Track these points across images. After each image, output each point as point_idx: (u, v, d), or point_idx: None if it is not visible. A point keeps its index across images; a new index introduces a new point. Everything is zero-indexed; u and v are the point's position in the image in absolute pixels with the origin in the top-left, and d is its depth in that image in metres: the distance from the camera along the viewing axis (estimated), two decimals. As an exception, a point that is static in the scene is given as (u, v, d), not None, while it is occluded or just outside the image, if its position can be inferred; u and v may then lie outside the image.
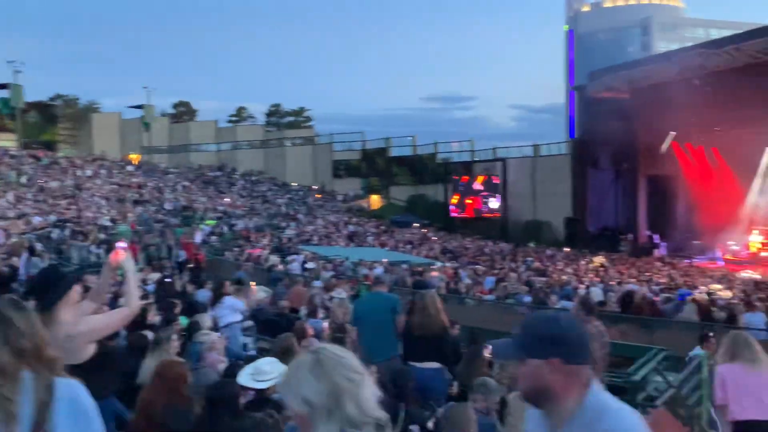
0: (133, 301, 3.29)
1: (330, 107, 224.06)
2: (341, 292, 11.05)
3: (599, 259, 29.21)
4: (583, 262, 27.23)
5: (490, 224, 40.21)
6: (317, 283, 13.37)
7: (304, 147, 49.89)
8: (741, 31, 30.39)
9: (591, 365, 1.81)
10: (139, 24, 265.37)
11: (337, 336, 6.14)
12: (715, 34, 60.53)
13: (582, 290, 16.02)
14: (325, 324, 8.02)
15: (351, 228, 34.60)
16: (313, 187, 47.02)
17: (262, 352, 6.32)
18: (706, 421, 7.02)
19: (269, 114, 57.32)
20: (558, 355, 1.74)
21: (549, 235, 37.47)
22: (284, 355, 4.86)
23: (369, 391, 1.63)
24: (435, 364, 5.85)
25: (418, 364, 5.84)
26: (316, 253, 21.76)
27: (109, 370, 3.44)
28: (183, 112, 57.63)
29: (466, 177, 41.95)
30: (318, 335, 7.16)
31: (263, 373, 4.16)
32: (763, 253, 30.99)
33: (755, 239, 31.71)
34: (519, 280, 17.64)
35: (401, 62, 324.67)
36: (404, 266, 18.73)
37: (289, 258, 20.95)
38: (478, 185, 41.13)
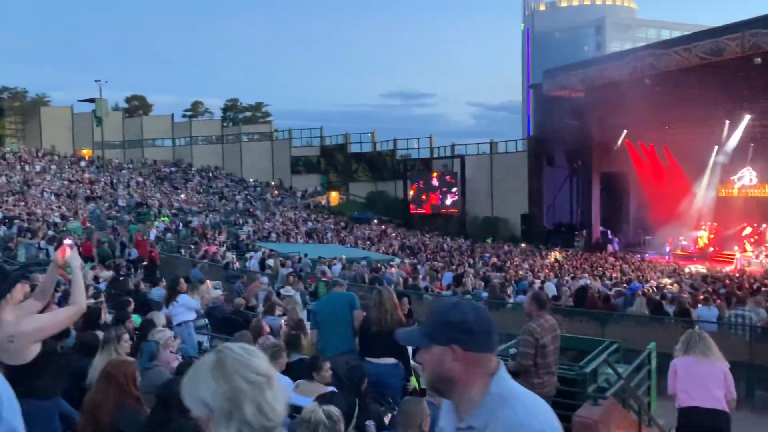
0: (79, 299, 3.20)
1: (288, 103, 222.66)
2: (289, 290, 10.98)
3: (555, 255, 29.83)
4: (541, 258, 27.76)
5: (448, 221, 40.54)
6: (264, 280, 13.28)
7: (262, 143, 49.36)
8: (690, 33, 31.39)
9: (495, 353, 1.76)
10: (91, 16, 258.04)
11: (292, 333, 6.10)
12: (667, 35, 62.36)
13: (537, 285, 16.35)
14: (283, 321, 7.96)
15: (310, 225, 34.43)
16: (272, 183, 46.60)
17: (217, 351, 6.22)
18: (655, 410, 7.27)
19: (226, 109, 56.50)
20: (458, 342, 1.70)
21: (506, 231, 38.02)
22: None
23: (274, 395, 1.56)
24: (391, 360, 5.87)
25: (374, 360, 5.87)
26: (275, 250, 21.57)
27: (55, 370, 3.34)
28: (137, 107, 56.28)
29: (424, 174, 42.20)
30: (275, 332, 7.11)
31: None
32: (710, 248, 32.11)
33: (703, 235, 32.82)
34: (476, 275, 17.85)
35: (361, 58, 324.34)
36: (363, 263, 18.74)
37: (246, 255, 20.74)
38: (436, 181, 41.41)
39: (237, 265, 18.43)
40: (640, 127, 31.83)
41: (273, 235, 28.96)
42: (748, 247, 30.04)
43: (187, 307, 8.98)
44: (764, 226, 30.37)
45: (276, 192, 44.66)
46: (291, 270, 15.61)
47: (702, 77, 25.81)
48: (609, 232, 35.15)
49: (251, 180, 46.35)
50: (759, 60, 23.98)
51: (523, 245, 33.41)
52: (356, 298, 6.63)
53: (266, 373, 1.59)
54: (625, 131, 33.17)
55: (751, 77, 25.16)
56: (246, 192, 42.86)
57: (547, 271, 22.11)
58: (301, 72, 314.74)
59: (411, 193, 42.31)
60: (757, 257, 28.80)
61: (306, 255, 19.57)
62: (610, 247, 33.81)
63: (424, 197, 41.75)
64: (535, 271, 21.35)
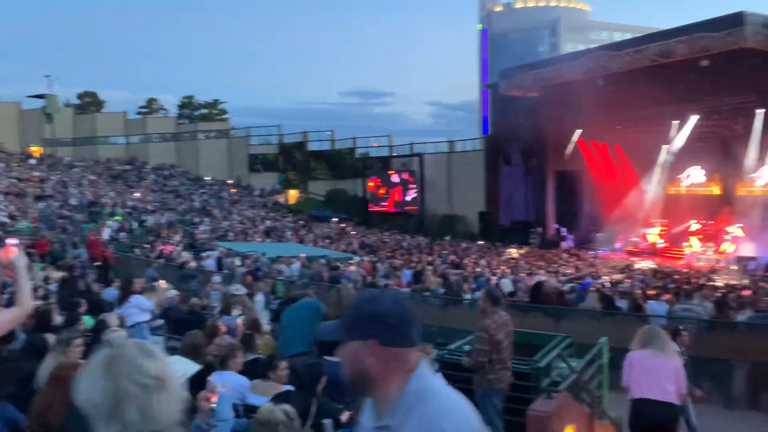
0: (24, 301, 3.10)
1: (246, 100, 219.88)
2: (240, 288, 10.89)
3: (513, 252, 30.29)
4: (498, 255, 28.12)
5: (407, 218, 40.72)
6: (216, 279, 13.14)
7: (219, 140, 48.65)
8: (641, 35, 32.24)
9: (417, 348, 1.69)
10: (40, 9, 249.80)
11: (247, 333, 6.05)
12: (619, 36, 63.84)
13: (494, 281, 16.60)
14: (240, 321, 7.88)
15: (268, 223, 34.11)
16: (229, 181, 45.97)
17: (172, 352, 6.14)
18: (607, 404, 7.46)
19: (182, 106, 55.50)
20: (375, 336, 1.62)
21: (464, 229, 38.39)
22: (192, 353, 4.73)
23: (164, 399, 1.50)
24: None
25: (332, 359, 5.88)
26: (232, 249, 21.30)
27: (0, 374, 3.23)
28: (89, 103, 54.81)
29: (383, 172, 42.29)
30: (231, 332, 7.04)
31: None
32: (660, 245, 33.06)
33: (653, 231, 33.78)
34: (435, 273, 17.98)
35: (320, 57, 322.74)
36: (322, 261, 18.67)
37: (203, 254, 20.44)
38: (395, 180, 41.56)
39: (193, 264, 18.15)
40: (593, 126, 32.56)
41: (230, 234, 28.59)
42: (696, 243, 31.03)
43: (140, 307, 8.82)
44: (711, 222, 31.37)
45: (233, 190, 44.08)
46: (248, 269, 15.45)
47: (652, 78, 26.53)
48: (563, 229, 35.84)
49: (208, 178, 45.64)
50: (706, 62, 24.79)
51: (480, 242, 33.79)
52: (322, 305, 6.75)
53: (158, 375, 1.52)
54: (579, 130, 33.88)
55: (698, 79, 25.98)
56: (202, 190, 42.19)
57: (503, 267, 22.39)
58: (258, 69, 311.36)
59: (370, 191, 42.34)
60: (704, 253, 29.77)
61: (264, 254, 19.39)
62: (564, 244, 34.48)
63: (383, 195, 41.83)
64: (492, 268, 21.60)
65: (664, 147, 33.09)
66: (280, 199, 44.57)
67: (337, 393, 5.35)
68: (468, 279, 16.95)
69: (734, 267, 26.59)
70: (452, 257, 24.58)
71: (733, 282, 21.33)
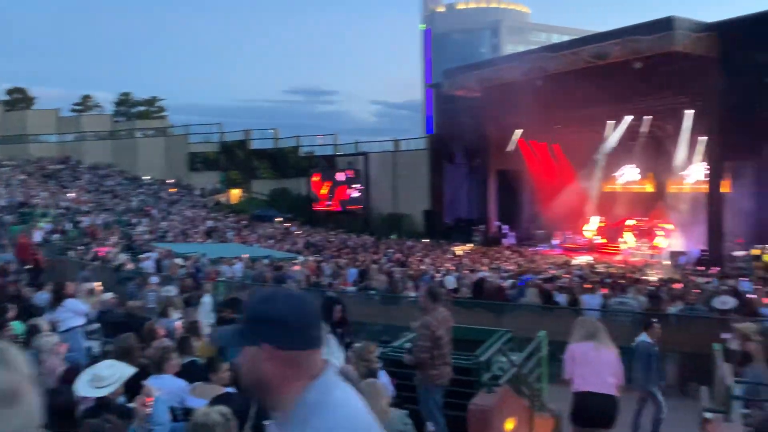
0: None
1: (185, 97, 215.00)
2: (171, 290, 10.66)
3: (459, 249, 30.72)
4: (442, 252, 28.43)
5: (353, 218, 40.72)
6: (154, 280, 12.83)
7: (157, 138, 47.40)
8: (578, 37, 33.23)
9: (319, 351, 1.56)
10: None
11: (183, 336, 5.93)
12: (557, 38, 65.60)
13: (438, 278, 16.80)
14: (178, 323, 7.71)
15: (210, 223, 33.47)
16: (168, 180, 44.85)
17: (107, 356, 5.97)
18: (546, 396, 7.67)
19: (118, 103, 53.78)
20: (270, 339, 1.50)
21: (409, 227, 38.68)
22: (125, 356, 4.61)
23: (11, 415, 1.41)
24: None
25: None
26: (172, 250, 20.80)
27: None
28: (18, 99, 52.41)
29: (328, 171, 42.13)
30: (170, 335, 6.88)
31: (102, 378, 3.91)
32: (597, 241, 34.17)
33: (590, 228, 34.89)
34: (380, 271, 18.04)
35: (262, 53, 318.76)
36: (265, 261, 18.45)
37: (141, 256, 19.90)
38: (340, 179, 41.50)
39: (130, 266, 17.64)
40: (532, 126, 33.36)
41: (170, 234, 27.92)
42: (631, 239, 32.21)
43: (74, 311, 8.53)
44: (645, 219, 32.63)
45: (173, 190, 43.04)
46: (188, 271, 15.13)
47: (588, 79, 27.38)
48: (505, 226, 36.60)
49: (146, 178, 44.40)
50: (639, 64, 25.75)
51: (425, 240, 34.11)
52: None
53: (7, 388, 1.43)
54: (519, 130, 34.66)
55: (632, 80, 26.95)
56: (140, 190, 41.02)
57: (448, 265, 22.67)
58: (198, 66, 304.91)
59: (315, 190, 42.13)
60: (638, 248, 30.95)
61: (205, 255, 19.03)
62: (505, 241, 35.21)
63: (328, 194, 41.69)
64: (436, 266, 21.84)
65: (600, 146, 34.20)
66: (222, 198, 43.79)
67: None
68: (413, 277, 17.08)
69: (666, 261, 27.75)
70: (397, 255, 24.71)
71: (666, 276, 22.24)
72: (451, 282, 15.25)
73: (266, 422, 4.13)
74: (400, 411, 4.76)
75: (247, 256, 19.39)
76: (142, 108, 53.69)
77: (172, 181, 44.92)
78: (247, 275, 16.53)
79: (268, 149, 46.00)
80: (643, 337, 7.91)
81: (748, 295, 13.05)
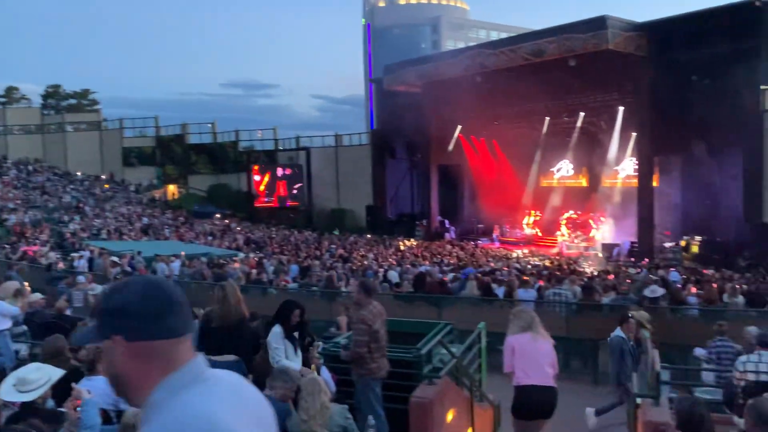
0: None
1: (119, 90, 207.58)
2: (95, 288, 10.34)
3: (406, 243, 30.98)
4: (385, 247, 28.55)
5: (295, 213, 40.40)
6: (81, 279, 12.41)
7: (90, 133, 45.61)
8: (516, 35, 33.95)
9: (181, 342, 1.42)
10: None
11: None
12: (495, 36, 66.83)
13: (381, 273, 16.90)
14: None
15: (145, 220, 32.55)
16: (101, 176, 43.31)
17: (35, 359, 5.73)
18: (485, 386, 7.82)
19: (47, 96, 51.41)
20: (121, 330, 1.38)
21: (352, 223, 38.69)
22: (54, 358, 4.44)
23: None
24: (231, 357, 5.81)
25: (214, 358, 5.76)
26: (105, 248, 20.12)
27: None
28: (-65, 90, 49.44)
29: (269, 166, 41.62)
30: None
31: (28, 382, 3.75)
32: (534, 234, 35.07)
33: (528, 222, 35.78)
34: (323, 267, 17.98)
35: (200, 45, 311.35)
36: (203, 259, 18.09)
37: (73, 255, 19.18)
38: (281, 174, 41.06)
39: (62, 265, 16.97)
40: (472, 122, 33.94)
41: (104, 232, 26.99)
42: (567, 232, 33.20)
43: (1, 313, 8.16)
44: (580, 213, 33.67)
45: (107, 186, 41.59)
46: (122, 269, 14.69)
47: (526, 76, 28.05)
48: (446, 221, 37.11)
49: (78, 173, 42.73)
50: (574, 62, 26.54)
51: (368, 235, 34.20)
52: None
53: None
54: (460, 126, 35.16)
55: (567, 78, 27.77)
56: (72, 186, 39.45)
57: (390, 260, 22.82)
58: (133, 58, 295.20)
59: (255, 185, 41.55)
60: (573, 241, 31.95)
61: (140, 252, 18.49)
62: (447, 236, 35.70)
63: (269, 190, 41.19)
64: (379, 261, 21.95)
65: (538, 142, 35.05)
66: (158, 194, 42.63)
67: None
68: (355, 272, 17.09)
69: (600, 254, 28.77)
70: (340, 251, 24.68)
71: (599, 267, 23.07)
72: (394, 276, 15.36)
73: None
74: (341, 406, 4.77)
75: (184, 253, 18.97)
76: (72, 101, 51.53)
77: (106, 176, 43.40)
78: (185, 273, 16.18)
79: (206, 144, 44.94)
80: (617, 332, 7.96)
81: (676, 285, 13.70)
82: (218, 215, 37.87)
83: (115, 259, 17.05)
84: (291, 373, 4.79)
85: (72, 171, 42.93)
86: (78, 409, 3.34)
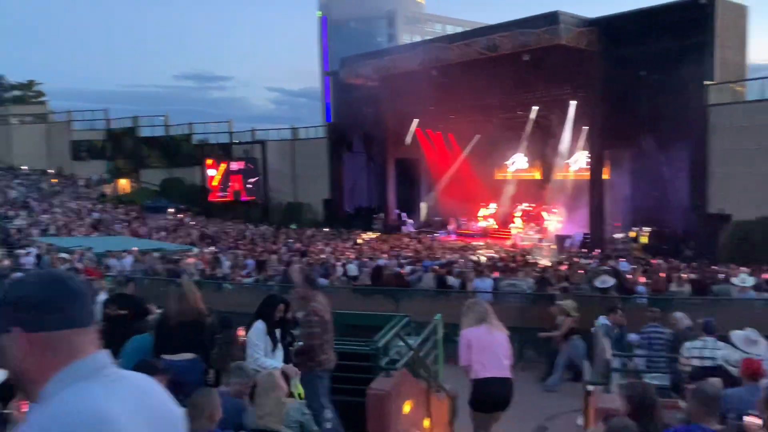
0: None
1: (67, 82, 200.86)
2: None
3: (365, 236, 31.02)
4: (343, 241, 28.52)
5: (251, 208, 39.97)
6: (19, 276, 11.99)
7: (36, 125, 44.10)
8: (470, 29, 34.23)
9: (82, 333, 1.40)
10: None
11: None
12: (451, 29, 67.16)
13: (339, 267, 16.88)
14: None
15: (96, 215, 31.71)
16: (49, 171, 41.95)
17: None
18: (442, 378, 7.90)
19: (-12, 87, 49.53)
20: (19, 322, 1.36)
21: (309, 217, 38.50)
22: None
23: None
24: (189, 355, 5.73)
25: (171, 357, 5.69)
26: (54, 244, 19.51)
27: None
28: None
29: (223, 160, 41.03)
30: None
31: None
32: (490, 227, 35.52)
33: (484, 214, 36.23)
34: (280, 261, 17.84)
35: (151, 36, 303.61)
36: (156, 255, 17.72)
37: (20, 252, 18.55)
38: (236, 167, 40.55)
39: (6, 263, 16.39)
40: (429, 115, 34.14)
41: (52, 228, 26.18)
42: (521, 224, 33.73)
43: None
44: (533, 205, 34.26)
45: (54, 181, 40.30)
46: (72, 266, 14.27)
47: (481, 71, 28.33)
48: (404, 214, 37.26)
49: (24, 168, 41.27)
50: (527, 57, 26.90)
51: (326, 229, 34.10)
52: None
53: None
54: (416, 120, 35.31)
55: (521, 72, 28.13)
56: (17, 181, 38.09)
57: (348, 253, 22.81)
58: (81, 49, 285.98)
59: (209, 180, 40.91)
60: (527, 233, 32.48)
61: (90, 249, 18.01)
62: (405, 229, 35.86)
63: (223, 184, 40.61)
64: (337, 255, 21.90)
65: (492, 135, 35.43)
66: (109, 189, 41.56)
67: (177, 393, 5.14)
68: (313, 266, 17.03)
69: (553, 246, 29.35)
70: (298, 245, 24.57)
71: (553, 259, 23.55)
72: (352, 270, 15.36)
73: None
74: (298, 401, 4.75)
75: (137, 249, 18.55)
76: (17, 92, 49.72)
77: (53, 171, 42.06)
78: (137, 269, 15.83)
79: (159, 137, 44.02)
80: (603, 320, 8.07)
81: (627, 275, 14.10)
82: (172, 210, 37.24)
83: (65, 255, 16.57)
84: (246, 369, 4.75)
85: (17, 165, 41.44)
86: (23, 411, 3.24)
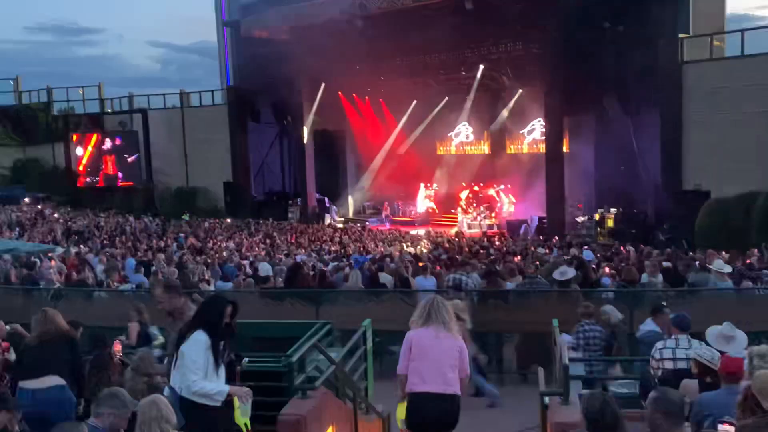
0: None
1: None
2: None
3: (279, 227, 30.90)
4: (251, 234, 28.30)
5: (131, 195, 39.13)
6: None
7: None
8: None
9: None
10: None
11: None
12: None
13: (247, 266, 16.74)
14: None
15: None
16: None
17: None
18: (372, 396, 8.00)
19: None
20: None
21: (206, 205, 37.98)
22: None
23: None
24: (55, 380, 5.69)
25: (32, 384, 5.63)
26: None
27: None
28: None
29: (93, 134, 39.86)
30: None
31: None
32: (431, 211, 36.01)
33: (423, 197, 36.67)
34: (169, 261, 17.54)
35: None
36: (7, 257, 17.06)
37: None
38: (110, 144, 39.49)
39: None
40: (354, 78, 33.96)
41: None
42: (468, 208, 34.32)
43: None
44: (482, 185, 34.83)
45: None
46: None
47: (416, 22, 28.46)
48: (326, 199, 37.19)
49: None
50: (471, 5, 27.08)
51: (228, 220, 33.75)
52: None
53: None
54: (339, 83, 35.00)
55: (464, 24, 28.36)
56: None
57: (257, 249, 22.65)
58: None
59: (77, 161, 39.69)
60: (475, 219, 33.09)
61: None
62: (328, 217, 35.85)
63: (93, 165, 39.52)
64: (243, 251, 21.72)
65: (432, 101, 35.72)
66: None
67: (41, 427, 5.02)
68: (212, 266, 16.84)
69: (505, 232, 30.06)
70: (192, 240, 24.27)
71: (505, 247, 24.10)
72: (265, 269, 15.25)
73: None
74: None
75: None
76: None
77: None
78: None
79: (8, 107, 42.75)
80: (650, 326, 7.84)
81: (592, 265, 14.59)
82: (27, 200, 36.51)
83: None
84: (122, 396, 4.62)
85: None
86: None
